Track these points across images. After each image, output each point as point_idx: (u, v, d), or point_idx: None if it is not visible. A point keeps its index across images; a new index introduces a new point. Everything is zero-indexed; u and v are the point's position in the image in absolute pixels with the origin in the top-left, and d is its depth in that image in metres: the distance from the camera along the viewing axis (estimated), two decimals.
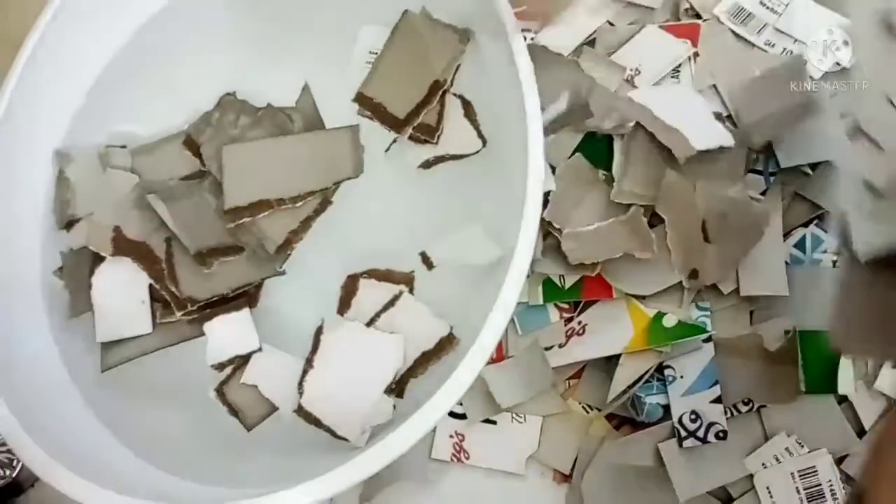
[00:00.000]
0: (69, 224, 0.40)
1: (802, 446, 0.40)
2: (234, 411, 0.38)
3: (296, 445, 0.36)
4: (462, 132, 0.40)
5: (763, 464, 0.41)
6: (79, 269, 0.39)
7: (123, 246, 0.39)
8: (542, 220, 0.39)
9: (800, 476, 0.40)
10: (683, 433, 0.40)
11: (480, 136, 0.40)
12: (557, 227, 0.42)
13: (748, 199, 0.42)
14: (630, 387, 0.41)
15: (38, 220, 0.41)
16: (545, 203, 0.41)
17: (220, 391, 0.38)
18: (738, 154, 0.42)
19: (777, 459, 0.40)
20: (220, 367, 0.38)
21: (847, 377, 0.40)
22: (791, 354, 0.40)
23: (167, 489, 0.33)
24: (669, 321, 0.41)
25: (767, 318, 0.42)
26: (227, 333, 0.38)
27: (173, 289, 0.38)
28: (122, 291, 0.39)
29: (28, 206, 0.40)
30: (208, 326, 0.38)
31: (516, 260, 0.32)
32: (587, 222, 0.42)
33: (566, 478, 0.43)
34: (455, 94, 0.40)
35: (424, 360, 0.37)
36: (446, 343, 0.36)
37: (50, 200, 0.41)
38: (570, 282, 0.42)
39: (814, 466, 0.40)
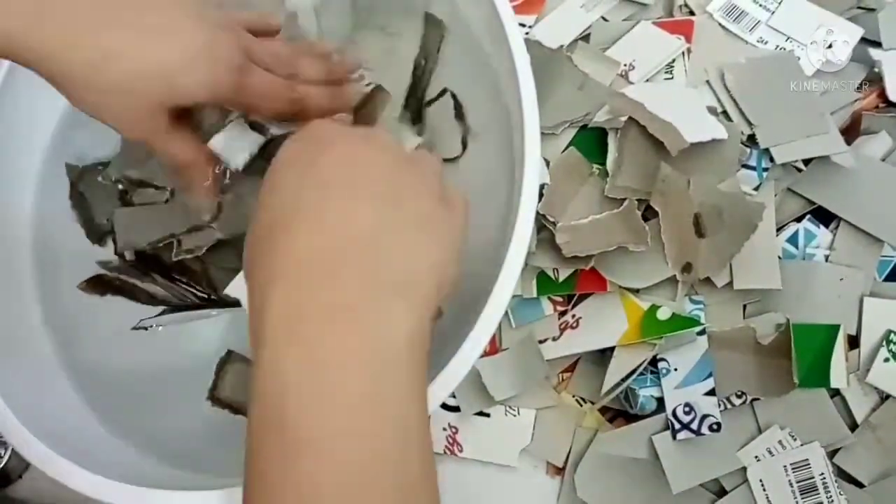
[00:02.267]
0: (101, 238, 0.41)
1: (795, 439, 0.41)
2: (235, 409, 0.37)
3: None
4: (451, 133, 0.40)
5: (756, 457, 0.41)
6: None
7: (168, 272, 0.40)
8: (537, 213, 0.39)
9: (792, 469, 0.40)
10: (677, 425, 0.40)
11: (464, 142, 0.40)
12: (552, 220, 0.42)
13: (742, 193, 0.43)
14: (624, 379, 0.41)
15: (30, 215, 0.41)
16: (539, 196, 0.41)
17: (214, 397, 0.38)
18: (732, 148, 0.43)
19: (770, 452, 0.41)
20: None
21: (840, 370, 0.40)
22: (784, 348, 0.40)
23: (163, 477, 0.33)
24: (663, 314, 0.41)
25: (761, 312, 0.43)
26: None
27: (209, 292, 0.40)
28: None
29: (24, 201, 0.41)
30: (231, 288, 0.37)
31: (511, 254, 0.32)
32: (581, 215, 0.42)
33: (559, 470, 0.43)
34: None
35: None
36: None
37: (46, 198, 0.41)
38: (564, 275, 0.42)
39: (806, 459, 0.40)
